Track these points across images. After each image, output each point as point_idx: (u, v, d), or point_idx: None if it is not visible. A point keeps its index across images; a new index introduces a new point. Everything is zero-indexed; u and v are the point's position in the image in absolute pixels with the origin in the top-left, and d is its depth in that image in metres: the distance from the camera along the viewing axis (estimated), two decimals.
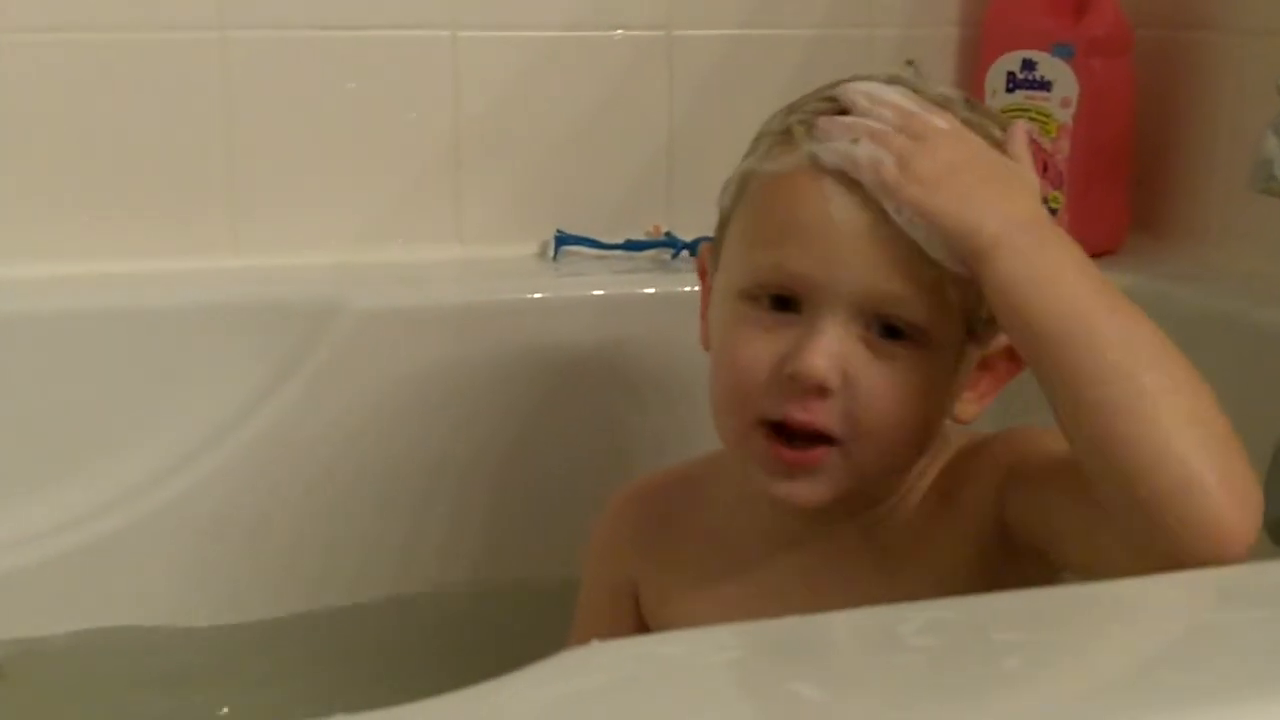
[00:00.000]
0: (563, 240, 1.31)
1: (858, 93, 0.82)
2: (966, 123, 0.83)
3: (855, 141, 0.79)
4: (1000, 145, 0.83)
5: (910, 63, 0.93)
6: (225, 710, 1.07)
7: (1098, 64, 1.31)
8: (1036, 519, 0.80)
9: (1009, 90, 1.35)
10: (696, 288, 0.92)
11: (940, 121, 0.81)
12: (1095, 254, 1.30)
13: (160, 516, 1.14)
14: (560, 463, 1.23)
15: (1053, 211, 1.33)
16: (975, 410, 0.86)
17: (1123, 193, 1.36)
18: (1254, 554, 0.68)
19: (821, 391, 0.79)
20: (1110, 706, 0.52)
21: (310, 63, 1.26)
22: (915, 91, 0.84)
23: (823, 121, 0.81)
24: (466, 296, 1.22)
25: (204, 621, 1.15)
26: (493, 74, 1.31)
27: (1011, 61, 1.35)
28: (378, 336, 1.17)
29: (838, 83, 0.85)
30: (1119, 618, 0.62)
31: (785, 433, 0.81)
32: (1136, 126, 1.35)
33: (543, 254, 1.32)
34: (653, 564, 0.95)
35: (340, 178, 1.28)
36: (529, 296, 1.23)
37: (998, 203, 0.77)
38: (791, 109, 0.85)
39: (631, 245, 1.31)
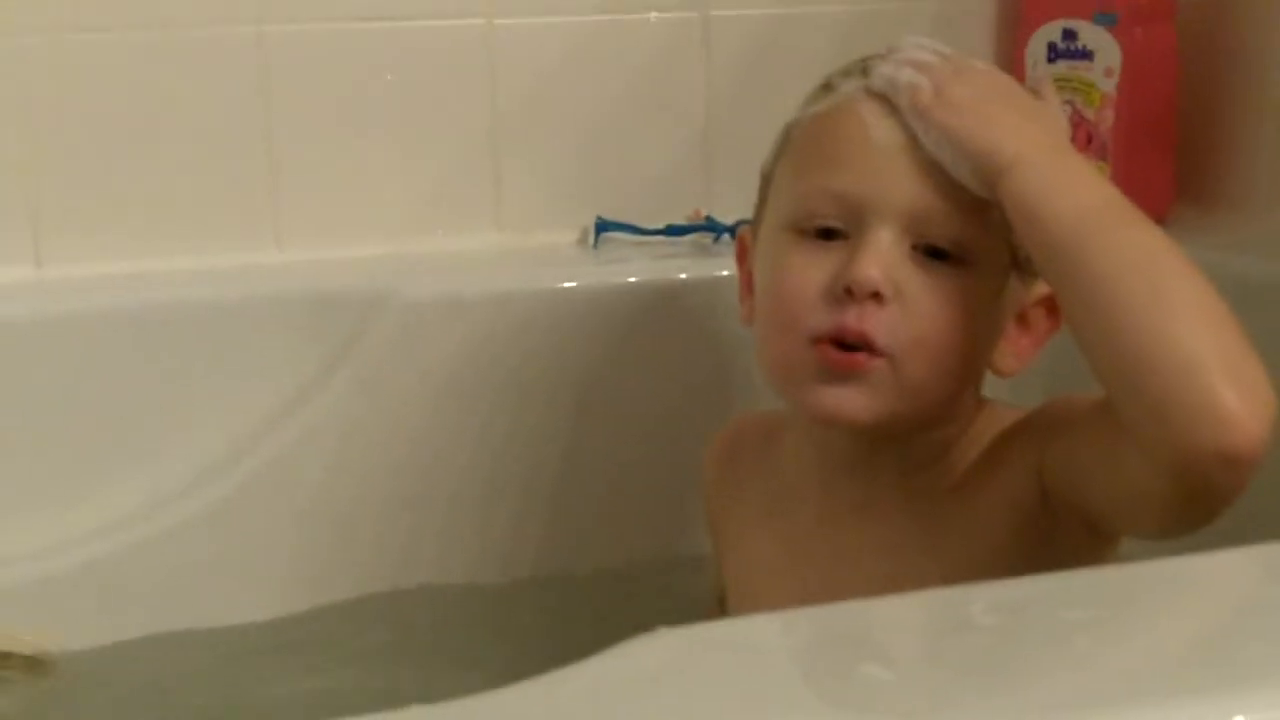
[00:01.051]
0: (603, 227, 1.30)
1: (905, 39, 0.87)
2: None
3: (899, 68, 0.84)
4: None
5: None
6: (279, 701, 1.07)
7: (1140, 31, 1.29)
8: (1066, 464, 0.81)
9: (1050, 61, 1.34)
10: (736, 272, 0.93)
11: (979, 63, 0.88)
12: None
13: (209, 513, 1.14)
14: (606, 449, 1.22)
15: None
16: (1014, 365, 0.87)
17: (1168, 162, 1.34)
18: None
19: (877, 298, 0.81)
20: (1179, 682, 0.52)
21: (348, 55, 1.26)
22: None
23: (871, 58, 0.87)
24: (509, 285, 1.22)
25: (256, 617, 1.15)
26: (528, 61, 1.30)
27: (1052, 31, 1.33)
28: (423, 326, 1.17)
29: (871, 55, 0.87)
30: (1184, 594, 0.62)
31: (837, 345, 0.83)
32: (1181, 94, 1.33)
33: (583, 240, 1.31)
34: (723, 501, 0.99)
35: (380, 169, 1.28)
36: (570, 284, 1.22)
37: (1022, 126, 0.81)
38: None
39: (672, 230, 1.30)
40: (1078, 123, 1.33)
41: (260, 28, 1.23)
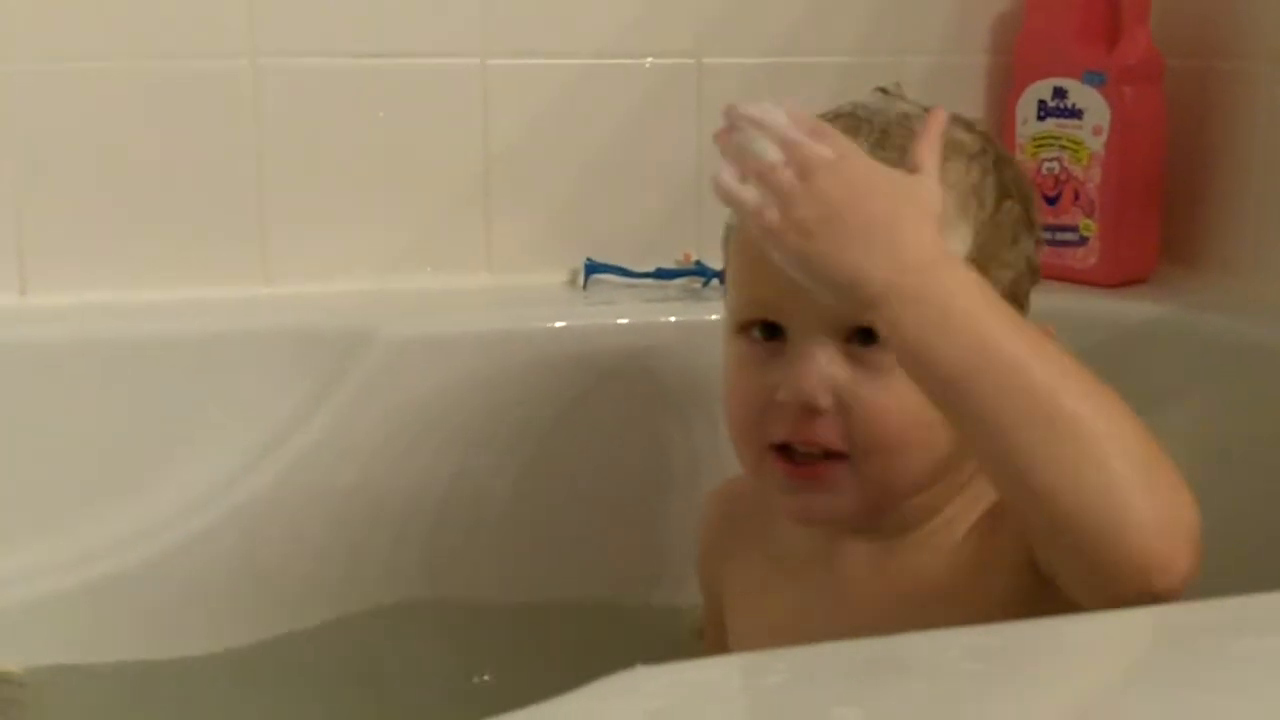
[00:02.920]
0: (592, 269, 1.31)
1: (744, 116, 0.78)
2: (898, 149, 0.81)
3: (744, 181, 0.77)
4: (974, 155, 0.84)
5: (886, 88, 0.92)
6: None
7: (1129, 92, 1.30)
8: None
9: (1040, 118, 1.35)
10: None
11: (826, 149, 0.76)
12: (1125, 282, 1.32)
13: (192, 545, 1.14)
14: (588, 490, 1.22)
15: (1083, 239, 1.33)
16: None
17: (1154, 221, 1.35)
18: None
19: (814, 411, 0.81)
20: None
21: (340, 91, 1.26)
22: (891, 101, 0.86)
23: (720, 145, 0.80)
24: (496, 324, 1.22)
25: (234, 644, 1.14)
26: (522, 102, 1.31)
27: (1043, 89, 1.34)
28: (408, 364, 1.17)
29: (834, 111, 0.87)
30: (1163, 643, 0.62)
31: (795, 453, 0.83)
32: (1168, 156, 1.35)
33: (572, 282, 1.32)
34: (722, 564, 0.98)
35: (370, 206, 1.29)
36: (558, 325, 1.22)
37: (884, 248, 0.74)
38: None
39: (662, 274, 1.31)
40: (1066, 179, 1.34)
41: (253, 61, 1.23)
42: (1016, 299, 0.86)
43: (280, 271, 1.26)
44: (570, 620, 1.21)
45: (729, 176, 0.77)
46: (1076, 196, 1.33)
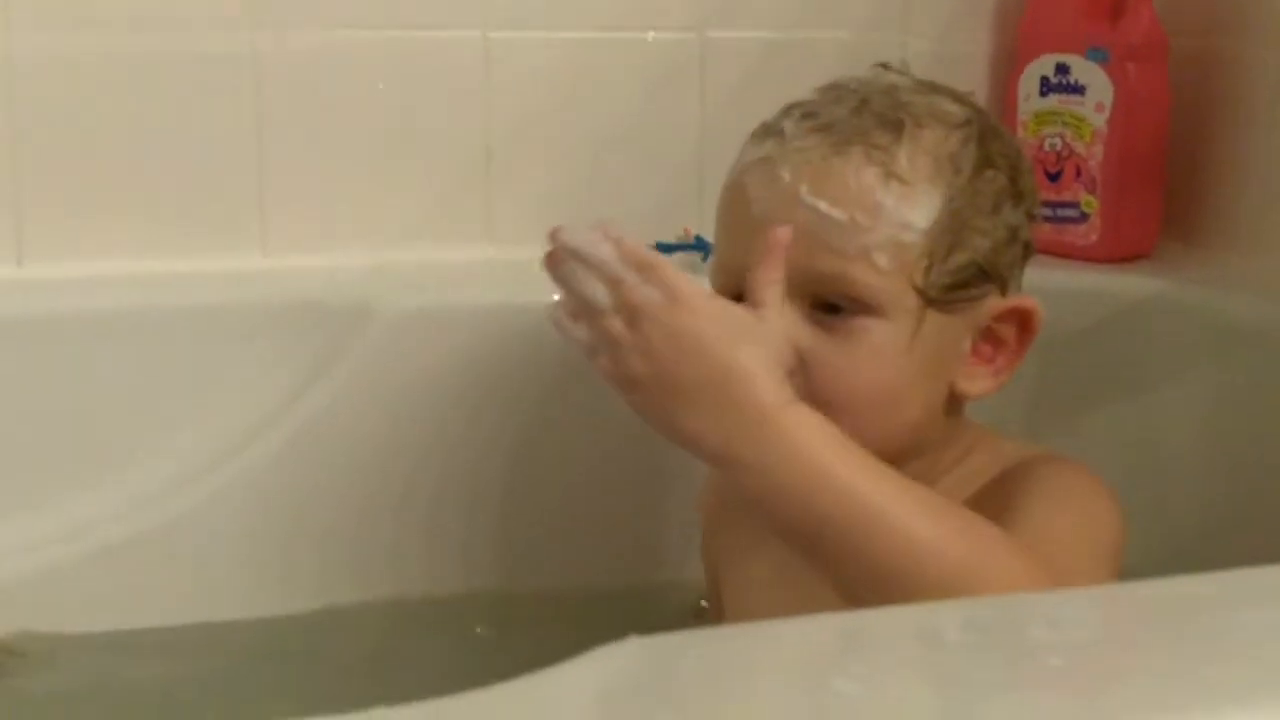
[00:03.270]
0: None
1: (568, 247, 0.79)
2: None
3: (576, 320, 0.78)
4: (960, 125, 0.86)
5: (887, 65, 0.93)
6: (254, 706, 1.06)
7: (1133, 69, 1.30)
8: None
9: (1042, 94, 1.34)
10: None
11: (654, 291, 0.76)
12: (1127, 259, 1.32)
13: (191, 518, 1.13)
14: (594, 464, 1.22)
15: (1084, 215, 1.33)
16: (985, 385, 0.87)
17: (1156, 198, 1.35)
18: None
19: None
20: (1150, 705, 0.52)
21: (340, 63, 1.26)
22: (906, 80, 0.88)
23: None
24: (498, 297, 1.22)
25: (228, 617, 1.14)
26: (523, 75, 1.30)
27: (1045, 65, 1.34)
28: (409, 337, 1.17)
29: (782, 114, 0.88)
30: (1162, 616, 0.62)
31: None
32: (1171, 133, 1.34)
33: None
34: (718, 528, 1.00)
35: (370, 179, 1.28)
36: (559, 298, 1.22)
37: (715, 410, 0.75)
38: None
39: (661, 248, 1.30)
40: (1068, 156, 1.33)
41: (252, 33, 1.23)
42: (996, 269, 0.86)
43: (279, 244, 1.26)
44: (573, 601, 1.20)
45: (562, 311, 0.79)
46: (1078, 173, 1.33)
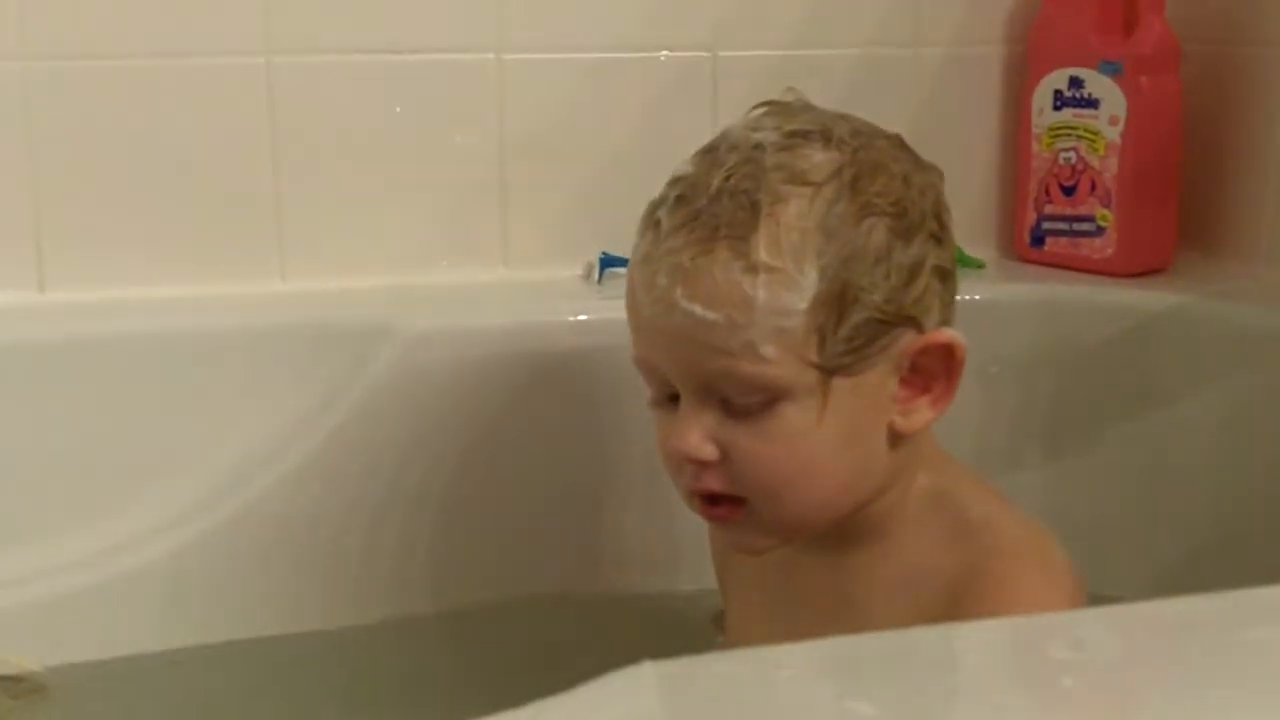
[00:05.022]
0: (607, 262, 1.31)
1: None
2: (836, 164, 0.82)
3: None
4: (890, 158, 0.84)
5: (790, 90, 0.91)
6: None
7: (1146, 81, 1.30)
8: None
9: (1056, 108, 1.34)
10: None
11: None
12: (1143, 272, 1.32)
13: (209, 540, 1.14)
14: (606, 482, 1.22)
15: (1100, 229, 1.33)
16: (923, 417, 0.86)
17: (1172, 210, 1.35)
18: None
19: (702, 464, 0.84)
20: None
21: (356, 87, 1.26)
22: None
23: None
24: (512, 318, 1.22)
25: (250, 635, 1.14)
26: (538, 96, 1.31)
27: (1059, 79, 1.34)
28: (426, 359, 1.18)
29: (658, 201, 0.88)
30: (1178, 635, 0.61)
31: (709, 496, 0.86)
32: (1185, 143, 1.34)
33: (588, 276, 1.32)
34: (726, 564, 1.01)
35: (385, 201, 1.29)
36: (574, 319, 1.22)
37: None
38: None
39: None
40: (1082, 169, 1.33)
41: (269, 59, 1.24)
42: (900, 313, 0.83)
43: (296, 268, 1.27)
44: (594, 610, 1.21)
45: None
46: (1093, 187, 1.33)
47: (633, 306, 0.87)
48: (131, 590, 1.12)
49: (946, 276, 0.86)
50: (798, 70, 1.34)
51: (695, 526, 1.11)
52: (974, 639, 0.56)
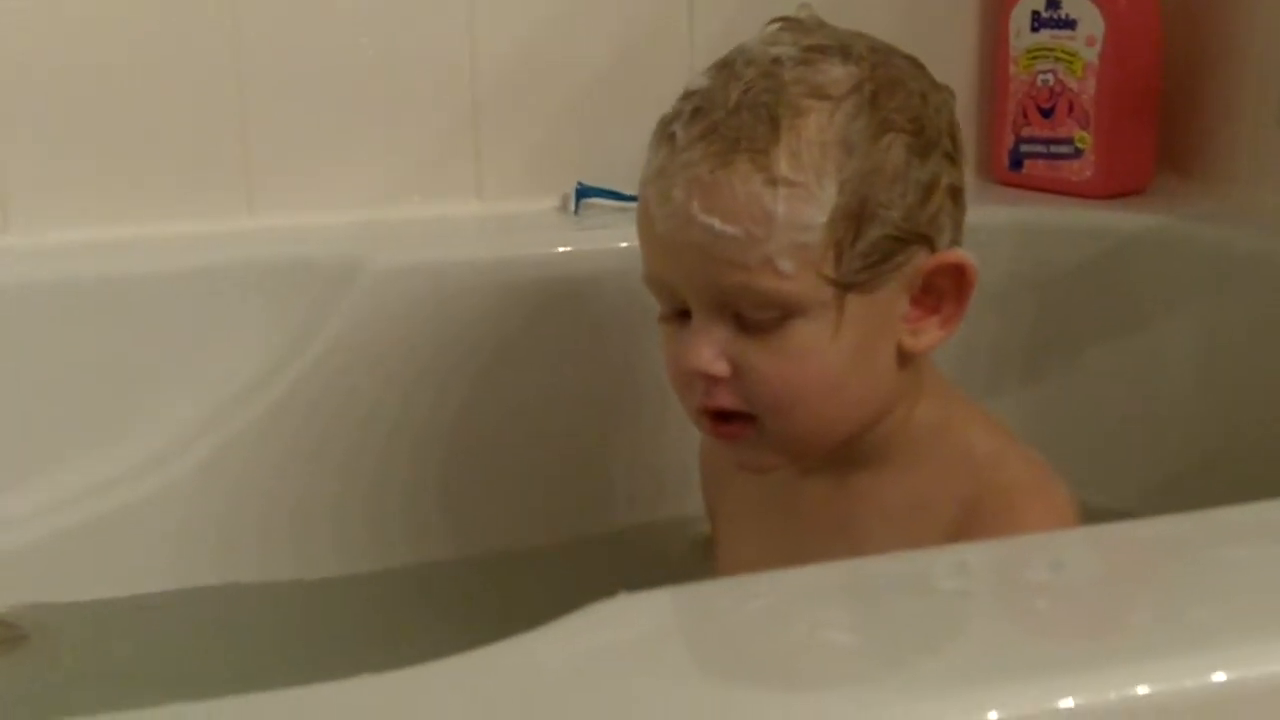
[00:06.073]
0: (584, 193, 1.29)
1: None
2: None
3: None
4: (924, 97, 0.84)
5: (804, 6, 0.90)
6: (234, 673, 1.06)
7: (1123, 1, 1.29)
8: None
9: (1034, 30, 1.33)
10: None
11: None
12: (1122, 194, 1.31)
13: (182, 482, 1.13)
14: (588, 416, 1.22)
15: (1079, 151, 1.32)
16: (931, 338, 0.86)
17: (1150, 132, 1.34)
18: None
19: (714, 380, 0.84)
20: (1141, 647, 0.51)
21: (323, 18, 1.24)
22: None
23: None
24: (488, 252, 1.21)
25: (217, 581, 1.14)
26: (510, 25, 1.29)
27: (1036, 0, 1.33)
28: (399, 294, 1.16)
29: (673, 113, 0.87)
30: (1156, 556, 0.61)
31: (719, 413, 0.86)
32: (1163, 64, 1.33)
33: (564, 207, 1.30)
34: (719, 494, 1.01)
35: (356, 135, 1.27)
36: (551, 250, 1.21)
37: None
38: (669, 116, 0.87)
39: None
40: (1060, 91, 1.32)
41: None
42: (915, 231, 0.84)
43: (265, 203, 1.25)
44: (579, 548, 1.20)
45: None
46: (1071, 108, 1.32)
47: (645, 222, 0.86)
48: (110, 532, 1.11)
49: (958, 196, 0.87)
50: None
51: (679, 457, 1.11)
52: (946, 562, 0.56)
